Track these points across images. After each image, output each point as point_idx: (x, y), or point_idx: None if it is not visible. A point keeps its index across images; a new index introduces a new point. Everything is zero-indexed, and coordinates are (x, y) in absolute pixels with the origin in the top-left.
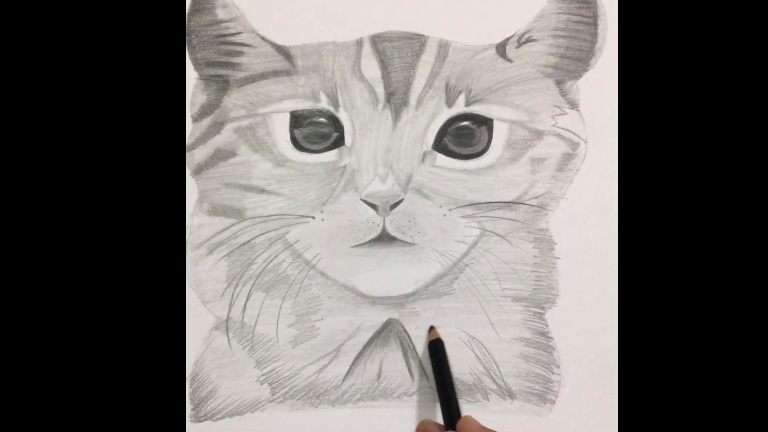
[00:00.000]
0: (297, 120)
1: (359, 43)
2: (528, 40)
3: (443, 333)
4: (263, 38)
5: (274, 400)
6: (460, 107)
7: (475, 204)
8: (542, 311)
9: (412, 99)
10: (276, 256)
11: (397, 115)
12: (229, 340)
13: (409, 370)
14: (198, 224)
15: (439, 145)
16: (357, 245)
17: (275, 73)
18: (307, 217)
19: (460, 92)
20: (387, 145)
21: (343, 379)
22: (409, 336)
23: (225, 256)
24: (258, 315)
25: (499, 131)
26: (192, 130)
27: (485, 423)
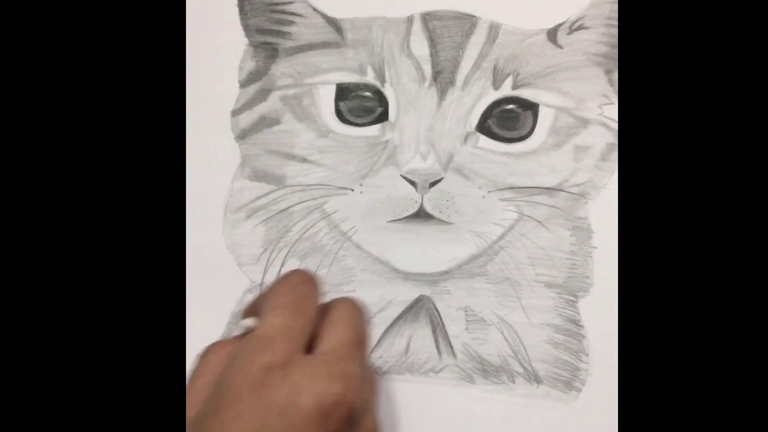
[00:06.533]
0: (343, 92)
1: (410, 20)
2: (580, 28)
3: (474, 313)
4: (315, 9)
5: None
6: (506, 90)
7: (514, 188)
8: (575, 299)
9: (459, 79)
10: (313, 225)
11: (442, 94)
12: None
13: (437, 347)
14: (239, 188)
15: (483, 127)
16: (394, 220)
17: (324, 45)
18: (347, 189)
19: (507, 75)
20: (430, 123)
21: (372, 351)
22: (439, 314)
23: (263, 221)
24: None
25: (545, 117)
26: (239, 95)
27: (509, 405)
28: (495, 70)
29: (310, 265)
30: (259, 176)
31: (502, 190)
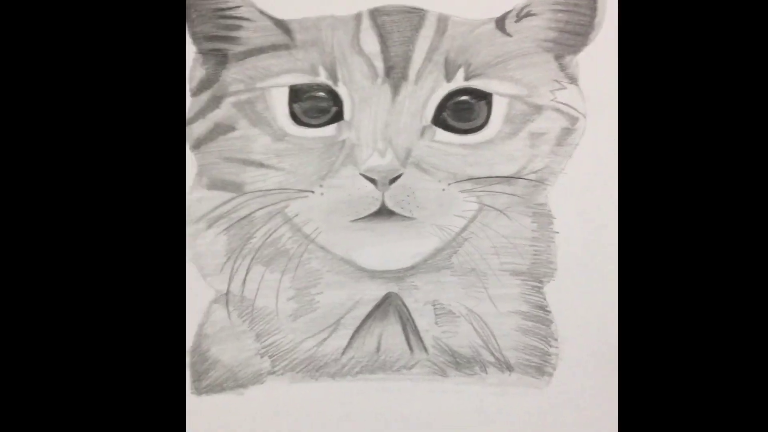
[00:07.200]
0: (296, 94)
1: (358, 18)
2: (527, 15)
3: (442, 306)
4: (262, 12)
5: (274, 373)
6: (459, 82)
7: (474, 178)
8: (540, 285)
9: (412, 73)
10: (275, 231)
11: (396, 89)
12: (229, 314)
13: (408, 343)
14: (197, 198)
15: (438, 120)
16: (356, 219)
17: (274, 47)
18: (307, 191)
19: (459, 66)
20: (386, 119)
21: (343, 352)
22: (408, 309)
23: (224, 230)
24: (258, 289)
25: (498, 106)
26: (191, 104)
27: (483, 395)
28: (446, 63)
29: (275, 270)
30: (217, 185)
31: (461, 181)
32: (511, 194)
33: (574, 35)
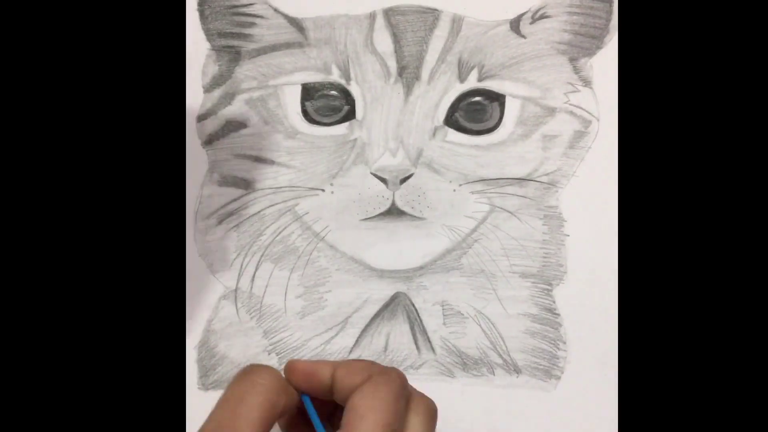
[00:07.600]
0: (308, 92)
1: (372, 17)
2: (542, 17)
3: (450, 307)
4: (276, 9)
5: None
6: (472, 82)
7: (485, 180)
8: (550, 288)
9: (424, 73)
10: (285, 228)
11: (408, 89)
12: (237, 310)
13: (416, 343)
14: (208, 194)
15: (451, 120)
16: (366, 218)
17: (287, 45)
18: (317, 189)
19: (472, 67)
20: (398, 119)
21: (350, 351)
22: (416, 309)
23: (234, 226)
24: (266, 286)
25: (511, 107)
26: (203, 100)
27: (490, 397)
28: (460, 63)
29: (283, 267)
30: (228, 181)
31: (472, 182)
32: (523, 196)
33: (588, 38)
